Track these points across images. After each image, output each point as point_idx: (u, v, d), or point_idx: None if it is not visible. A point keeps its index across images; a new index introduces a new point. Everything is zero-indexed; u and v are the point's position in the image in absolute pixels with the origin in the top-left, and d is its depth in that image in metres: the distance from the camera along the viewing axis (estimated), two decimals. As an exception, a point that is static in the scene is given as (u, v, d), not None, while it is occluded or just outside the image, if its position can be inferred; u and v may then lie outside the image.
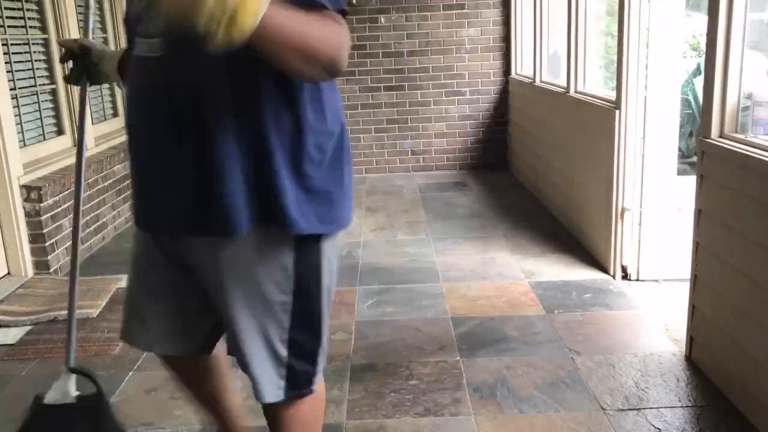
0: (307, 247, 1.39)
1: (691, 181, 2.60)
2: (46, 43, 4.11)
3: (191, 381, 1.75)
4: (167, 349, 1.61)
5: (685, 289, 2.61)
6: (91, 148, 4.40)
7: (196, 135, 1.29)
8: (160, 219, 1.41)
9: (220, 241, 1.35)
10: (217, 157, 1.28)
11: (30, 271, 3.62)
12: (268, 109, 1.28)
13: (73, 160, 4.13)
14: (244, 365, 1.44)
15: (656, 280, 3.33)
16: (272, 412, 1.51)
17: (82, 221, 4.02)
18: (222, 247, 1.35)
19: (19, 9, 3.86)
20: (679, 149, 3.74)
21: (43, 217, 3.61)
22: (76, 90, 4.27)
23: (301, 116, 1.31)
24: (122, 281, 3.44)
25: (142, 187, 1.45)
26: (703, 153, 2.40)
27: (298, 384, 1.46)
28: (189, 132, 1.29)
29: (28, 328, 3.04)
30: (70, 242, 3.80)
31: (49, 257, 3.65)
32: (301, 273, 1.39)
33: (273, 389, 1.44)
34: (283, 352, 1.43)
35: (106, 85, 4.93)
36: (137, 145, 1.43)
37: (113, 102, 5.07)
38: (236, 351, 1.44)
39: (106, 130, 4.87)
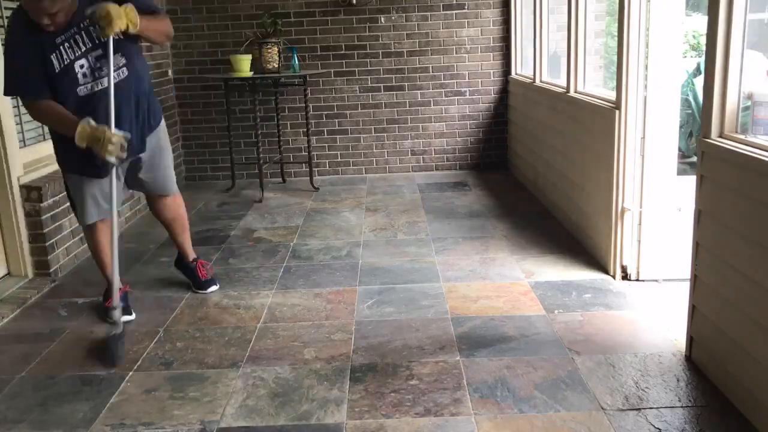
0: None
1: (691, 181, 2.60)
2: (46, 43, 4.10)
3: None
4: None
5: (685, 289, 2.61)
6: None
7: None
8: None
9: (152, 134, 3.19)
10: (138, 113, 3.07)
11: (30, 271, 3.62)
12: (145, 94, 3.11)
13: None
14: (165, 184, 3.30)
15: (656, 280, 3.33)
16: (173, 198, 3.37)
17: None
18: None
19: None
20: (679, 149, 3.74)
21: (43, 217, 3.61)
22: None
23: (149, 101, 3.12)
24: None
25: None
26: (703, 153, 2.40)
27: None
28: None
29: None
30: (71, 242, 3.84)
31: (49, 257, 3.65)
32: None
33: (174, 188, 3.35)
34: (173, 175, 3.36)
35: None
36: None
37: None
38: (163, 182, 3.30)
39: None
